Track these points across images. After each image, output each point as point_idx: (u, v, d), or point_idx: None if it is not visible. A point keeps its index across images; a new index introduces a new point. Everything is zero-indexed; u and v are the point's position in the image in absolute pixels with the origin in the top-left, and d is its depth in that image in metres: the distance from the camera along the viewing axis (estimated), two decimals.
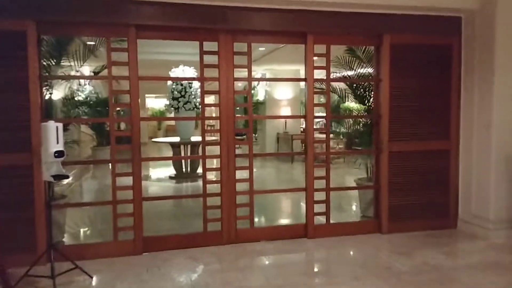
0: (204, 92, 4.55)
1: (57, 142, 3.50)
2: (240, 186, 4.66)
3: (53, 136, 3.48)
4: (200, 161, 10.43)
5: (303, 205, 4.98)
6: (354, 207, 6.28)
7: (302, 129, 15.54)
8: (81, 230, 5.52)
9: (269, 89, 11.86)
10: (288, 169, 11.29)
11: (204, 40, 4.42)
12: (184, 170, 9.94)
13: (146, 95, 22.03)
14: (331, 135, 12.94)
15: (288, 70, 12.28)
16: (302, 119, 16.80)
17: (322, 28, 4.60)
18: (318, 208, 4.80)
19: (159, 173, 10.87)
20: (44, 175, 3.55)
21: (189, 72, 9.56)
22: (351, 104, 17.91)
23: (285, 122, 12.65)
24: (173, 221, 5.75)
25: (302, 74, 13.78)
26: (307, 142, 4.74)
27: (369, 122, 5.88)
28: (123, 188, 4.35)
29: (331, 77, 4.91)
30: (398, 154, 4.90)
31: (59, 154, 3.49)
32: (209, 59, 4.46)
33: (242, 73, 4.73)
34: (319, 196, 4.80)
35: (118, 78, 4.34)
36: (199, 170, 9.99)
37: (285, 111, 12.77)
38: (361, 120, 6.07)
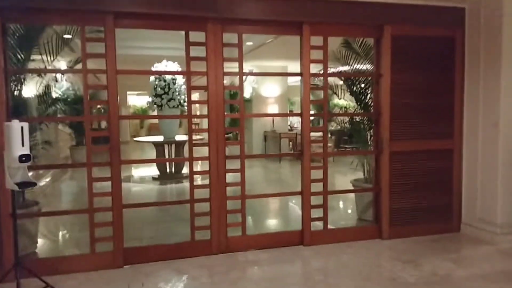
0: (190, 88, 4.12)
1: (23, 145, 3.04)
2: (230, 190, 4.27)
3: (17, 138, 3.02)
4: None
5: (298, 209, 4.62)
6: (349, 210, 5.96)
7: (289, 127, 15.25)
8: (56, 241, 5.05)
9: (256, 85, 11.47)
10: (276, 168, 10.94)
11: (190, 29, 4.01)
12: (168, 170, 9.49)
13: (128, 92, 21.37)
14: (319, 133, 12.66)
15: (276, 67, 11.90)
16: (290, 118, 16.57)
17: (319, 18, 4.23)
18: (315, 213, 4.45)
19: (142, 173, 10.39)
20: (8, 183, 3.09)
21: (173, 67, 9.12)
22: (340, 101, 17.72)
23: (273, 120, 12.28)
24: (157, 229, 5.30)
25: (290, 71, 13.54)
26: (303, 142, 4.38)
27: (365, 120, 5.56)
28: (101, 195, 3.92)
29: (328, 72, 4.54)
30: (400, 154, 4.58)
31: (25, 158, 3.04)
32: (196, 52, 4.04)
33: (231, 68, 4.33)
34: (316, 200, 4.44)
35: (94, 72, 3.89)
36: (185, 170, 9.58)
37: (273, 108, 12.41)
38: (356, 118, 5.72)
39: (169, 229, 5.24)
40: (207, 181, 4.18)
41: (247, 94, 12.87)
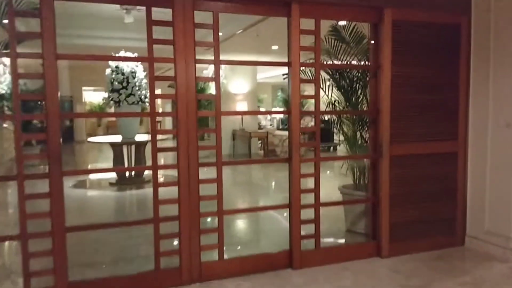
0: (154, 79, 3.27)
1: None
2: (204, 205, 3.48)
3: None
4: (145, 161, 9.23)
5: (284, 222, 3.89)
6: (336, 220, 5.29)
7: (259, 125, 14.52)
8: None
9: (225, 81, 10.64)
10: (246, 170, 10.17)
11: (153, 5, 3.18)
12: (127, 173, 8.53)
13: (84, 88, 19.93)
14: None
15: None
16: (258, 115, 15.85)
17: None
18: (305, 228, 3.74)
19: (99, 176, 9.37)
20: None
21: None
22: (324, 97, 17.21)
23: (241, 117, 11.50)
24: (112, 255, 4.37)
25: (261, 66, 12.80)
26: (291, 145, 3.65)
27: (351, 119, 4.91)
28: (36, 216, 3.03)
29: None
30: (401, 159, 3.95)
31: None
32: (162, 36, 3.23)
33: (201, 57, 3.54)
34: (305, 214, 3.73)
35: (26, 57, 2.97)
36: (147, 172, 8.65)
37: (241, 106, 11.64)
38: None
39: (130, 252, 4.36)
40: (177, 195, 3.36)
41: (213, 90, 12.03)
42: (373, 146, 4.02)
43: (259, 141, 12.46)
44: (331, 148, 14.24)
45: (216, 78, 3.41)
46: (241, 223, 5.38)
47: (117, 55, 8.05)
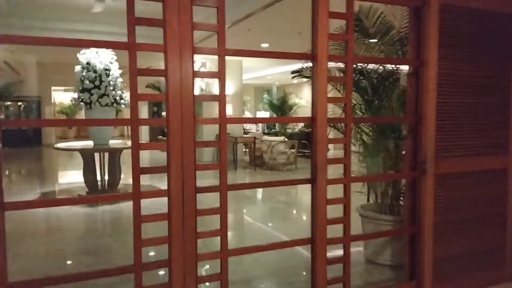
0: (136, 72, 2.36)
1: None
2: (202, 243, 2.59)
3: None
4: (121, 169, 8.16)
5: (304, 258, 3.03)
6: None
7: (244, 129, 13.63)
8: None
9: (211, 81, 9.74)
10: (232, 178, 9.28)
11: None
12: (100, 184, 7.51)
13: (53, 88, 18.59)
14: (280, 138, 11.22)
15: (229, 60, 10.25)
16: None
17: None
18: (332, 270, 2.90)
19: (69, 183, 8.31)
20: None
21: (106, 55, 7.19)
22: (298, 100, 16.48)
23: None
24: None
25: (246, 66, 11.91)
26: (317, 161, 2.80)
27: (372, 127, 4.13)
28: None
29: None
30: (448, 178, 3.17)
31: None
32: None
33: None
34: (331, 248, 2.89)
35: None
36: (123, 182, 7.66)
37: (226, 109, 10.72)
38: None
39: None
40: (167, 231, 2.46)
41: (196, 91, 11.10)
42: (411, 162, 3.21)
43: (245, 147, 11.60)
44: None
45: (221, 73, 2.53)
46: (248, 258, 4.12)
47: (87, 50, 7.08)
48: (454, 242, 3.25)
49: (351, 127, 2.94)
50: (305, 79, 4.24)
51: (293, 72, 4.10)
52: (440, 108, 3.08)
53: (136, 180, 2.34)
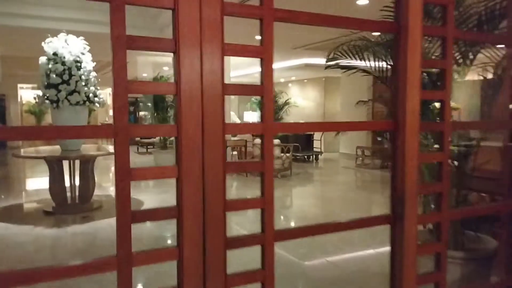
0: (125, 47, 1.31)
1: None
2: None
3: None
4: (95, 181, 6.98)
5: None
6: None
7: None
8: None
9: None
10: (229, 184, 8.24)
11: None
12: (69, 197, 6.33)
13: (20, 85, 17.08)
14: (276, 141, 10.25)
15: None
16: (232, 117, 13.83)
17: None
18: None
19: (37, 195, 7.10)
20: None
21: (77, 44, 6.06)
22: (299, 100, 15.53)
23: None
24: None
25: (232, 63, 10.85)
26: (404, 189, 1.80)
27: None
28: None
29: None
30: None
31: None
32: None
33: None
34: None
35: None
36: (98, 193, 6.51)
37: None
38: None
39: None
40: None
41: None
42: None
43: (233, 150, 10.58)
44: (312, 157, 12.63)
45: (266, 49, 1.50)
46: None
47: (53, 38, 5.95)
48: None
49: (449, 135, 1.96)
50: (341, 70, 3.24)
51: (328, 60, 3.09)
52: None
53: (120, 201, 1.29)
